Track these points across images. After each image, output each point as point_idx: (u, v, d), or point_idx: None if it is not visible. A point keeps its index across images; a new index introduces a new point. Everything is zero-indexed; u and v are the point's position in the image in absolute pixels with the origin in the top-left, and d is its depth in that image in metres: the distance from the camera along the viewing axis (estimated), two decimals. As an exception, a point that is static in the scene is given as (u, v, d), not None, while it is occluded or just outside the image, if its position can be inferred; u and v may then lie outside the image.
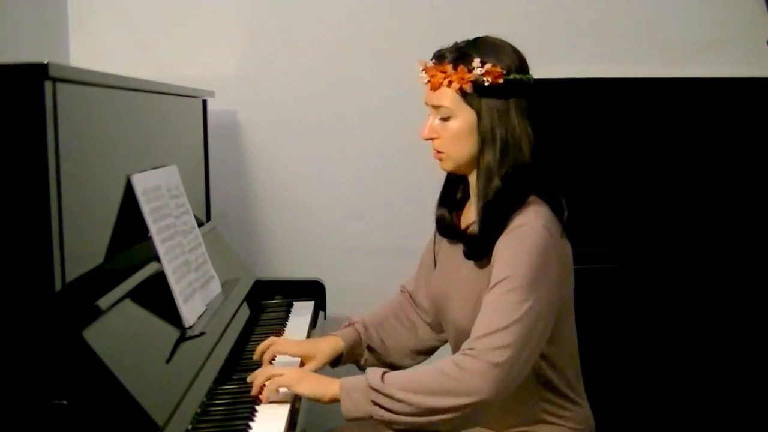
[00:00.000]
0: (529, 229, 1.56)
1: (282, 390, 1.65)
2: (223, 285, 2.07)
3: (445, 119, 1.65)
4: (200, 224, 2.13)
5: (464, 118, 1.63)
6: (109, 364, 1.31)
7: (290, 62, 2.90)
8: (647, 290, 2.55)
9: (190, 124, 2.42)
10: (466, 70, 1.61)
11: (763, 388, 2.58)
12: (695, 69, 2.86)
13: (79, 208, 1.44)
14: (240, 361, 1.94)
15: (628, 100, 2.65)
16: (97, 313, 1.39)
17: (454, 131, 1.64)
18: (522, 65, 1.66)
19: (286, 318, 2.33)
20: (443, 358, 1.53)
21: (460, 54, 1.64)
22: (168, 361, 1.55)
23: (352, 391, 1.53)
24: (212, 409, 1.64)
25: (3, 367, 1.30)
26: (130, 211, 1.67)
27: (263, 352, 1.82)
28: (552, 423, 1.70)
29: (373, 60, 2.89)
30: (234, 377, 1.81)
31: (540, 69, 2.84)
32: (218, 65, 2.88)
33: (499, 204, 1.61)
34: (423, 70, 1.68)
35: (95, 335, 1.35)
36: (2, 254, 1.32)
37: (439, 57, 1.66)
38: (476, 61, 1.61)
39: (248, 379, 1.69)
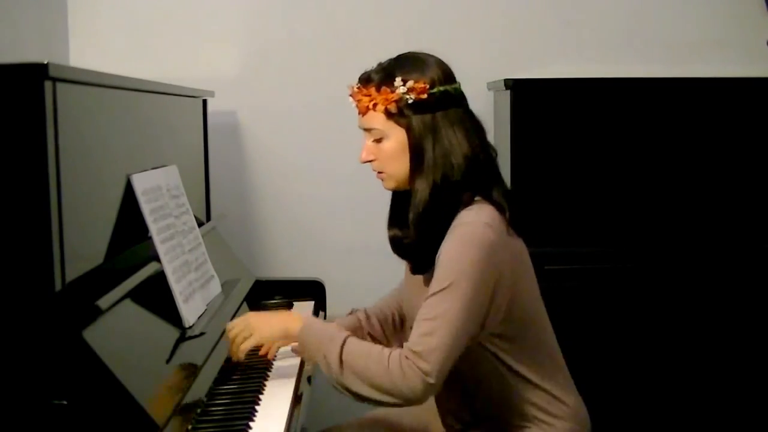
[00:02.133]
0: (470, 227, 1.58)
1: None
2: (223, 285, 2.07)
3: (378, 140, 1.67)
4: (200, 224, 2.13)
5: (395, 137, 1.65)
6: (109, 364, 1.31)
7: (290, 62, 2.90)
8: (647, 290, 2.55)
9: (190, 124, 2.42)
10: (389, 90, 1.63)
11: (763, 388, 2.58)
12: (695, 69, 2.87)
13: (79, 208, 1.44)
14: (240, 361, 1.94)
15: (627, 100, 2.65)
16: (97, 313, 1.39)
17: (388, 151, 1.66)
18: (446, 76, 1.67)
19: (286, 318, 2.33)
20: (396, 351, 1.56)
21: (383, 74, 1.66)
22: (168, 361, 1.56)
23: (311, 338, 1.64)
24: (212, 409, 1.64)
25: (3, 367, 1.30)
26: (130, 211, 1.67)
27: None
28: (543, 422, 1.70)
29: (374, 60, 2.87)
30: (234, 377, 1.81)
31: (540, 69, 2.89)
32: (218, 65, 2.88)
33: (428, 215, 1.63)
34: (351, 94, 1.70)
35: (95, 335, 1.35)
36: (2, 254, 1.32)
37: (364, 80, 1.69)
38: (398, 80, 1.63)
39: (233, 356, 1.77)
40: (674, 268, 2.58)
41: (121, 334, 1.46)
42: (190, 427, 1.51)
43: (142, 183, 1.72)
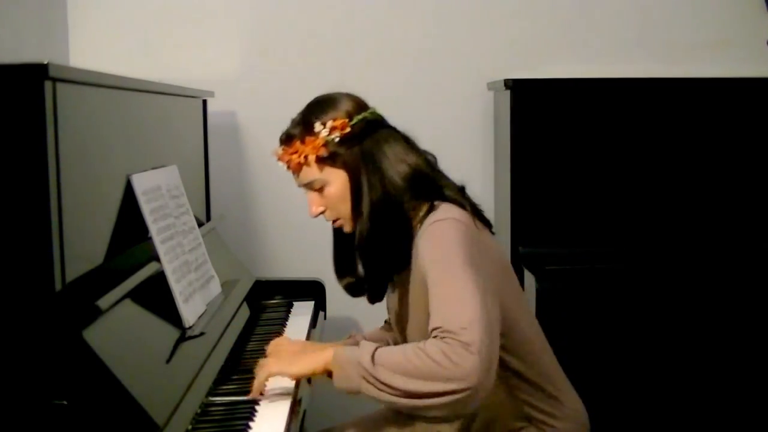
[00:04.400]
0: (442, 223, 1.56)
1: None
2: (223, 285, 2.07)
3: (320, 190, 1.69)
4: (200, 224, 2.13)
5: (336, 179, 1.67)
6: (109, 364, 1.31)
7: (290, 62, 2.90)
8: (647, 290, 2.55)
9: (190, 124, 2.42)
10: (313, 138, 1.66)
11: (763, 388, 2.58)
12: (695, 69, 2.87)
13: (79, 208, 1.44)
14: (240, 361, 1.94)
15: (628, 100, 2.65)
16: (97, 313, 1.39)
17: (334, 196, 1.68)
18: (359, 105, 1.72)
19: (286, 318, 2.33)
20: (426, 341, 1.47)
21: (302, 126, 1.69)
22: (168, 361, 1.55)
23: (345, 364, 1.52)
24: (212, 409, 1.64)
25: (3, 367, 1.30)
26: (130, 211, 1.67)
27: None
28: (540, 421, 1.70)
29: (374, 60, 2.89)
30: (234, 377, 1.81)
31: (540, 69, 2.89)
32: (218, 65, 2.88)
33: (373, 238, 1.64)
34: (278, 159, 1.72)
35: (95, 335, 1.35)
36: (2, 254, 1.32)
37: (285, 140, 1.72)
38: (318, 125, 1.66)
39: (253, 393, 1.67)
40: (675, 268, 2.58)
41: (121, 334, 1.46)
42: (190, 427, 1.51)
43: (142, 183, 1.72)
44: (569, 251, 2.58)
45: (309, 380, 1.84)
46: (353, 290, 1.81)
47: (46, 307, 1.32)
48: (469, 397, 1.40)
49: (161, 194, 1.82)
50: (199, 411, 1.58)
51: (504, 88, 2.64)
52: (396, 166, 1.65)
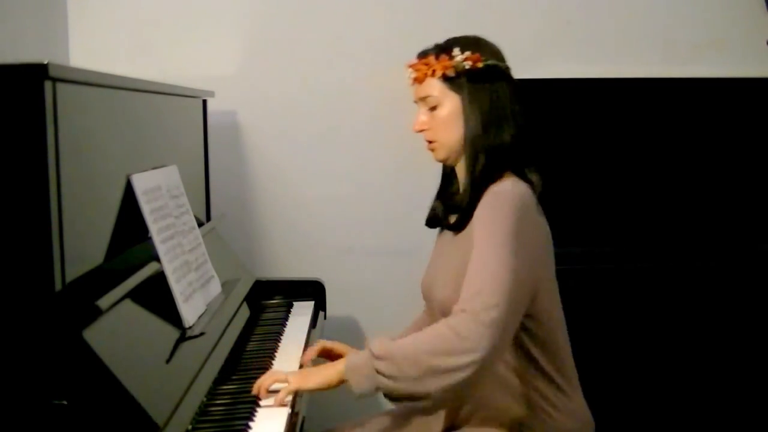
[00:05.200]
0: (506, 195, 1.64)
1: (282, 386, 1.67)
2: (223, 285, 2.07)
3: (433, 108, 1.76)
4: (200, 224, 2.13)
5: (450, 104, 1.75)
6: (109, 364, 1.31)
7: (290, 62, 2.90)
8: (649, 290, 2.55)
9: (190, 124, 2.42)
10: (447, 58, 1.74)
11: (762, 388, 2.58)
12: (695, 69, 2.86)
13: (79, 208, 1.44)
14: (240, 361, 1.94)
15: (628, 100, 2.65)
16: (97, 313, 1.39)
17: (442, 118, 1.75)
18: (498, 55, 1.79)
19: (286, 318, 2.33)
20: (438, 322, 1.54)
21: (442, 47, 1.77)
22: (168, 361, 1.55)
23: (356, 368, 1.56)
24: (212, 409, 1.64)
25: (3, 367, 1.30)
26: (130, 211, 1.67)
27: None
28: (545, 412, 1.71)
29: (374, 60, 2.89)
30: (234, 377, 1.81)
31: (540, 69, 2.89)
32: (218, 65, 2.88)
33: (483, 178, 1.70)
34: (409, 67, 1.80)
35: (95, 335, 1.35)
36: (2, 254, 1.32)
37: (422, 53, 1.80)
38: (456, 50, 1.74)
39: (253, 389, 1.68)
40: (675, 267, 2.58)
41: (121, 334, 1.46)
42: (190, 427, 1.51)
43: (142, 183, 1.72)
44: (570, 251, 2.58)
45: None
46: (431, 213, 1.88)
47: (46, 307, 1.32)
48: (475, 373, 1.45)
49: (161, 194, 1.82)
50: (199, 411, 1.58)
51: (504, 88, 2.64)
52: (509, 121, 1.73)
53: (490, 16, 2.91)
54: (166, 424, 1.35)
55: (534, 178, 1.73)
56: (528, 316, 1.66)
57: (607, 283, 2.55)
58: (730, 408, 2.58)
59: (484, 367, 1.47)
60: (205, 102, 2.55)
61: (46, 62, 1.29)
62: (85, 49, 2.83)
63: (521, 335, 1.67)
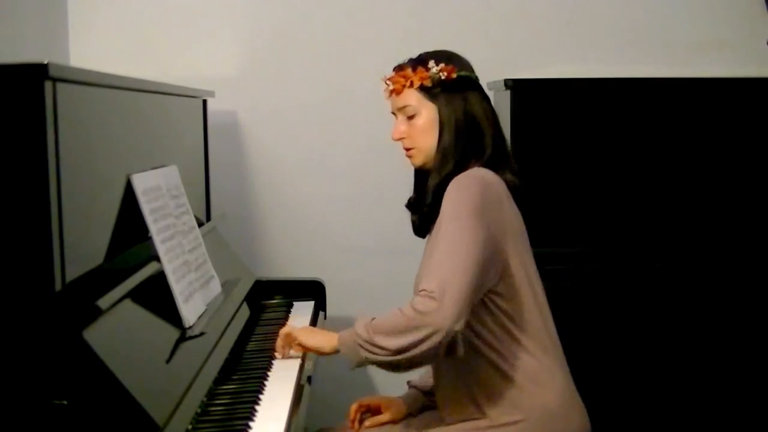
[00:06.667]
0: (469, 176, 1.75)
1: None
2: (223, 285, 2.07)
3: (410, 117, 1.85)
4: (200, 224, 2.13)
5: (427, 112, 1.84)
6: (109, 364, 1.31)
7: (290, 62, 2.90)
8: (647, 290, 2.55)
9: (190, 124, 2.42)
10: (424, 70, 1.84)
11: (762, 388, 2.58)
12: (695, 69, 2.87)
13: (79, 208, 1.44)
14: (240, 361, 1.95)
15: (627, 100, 2.65)
16: (97, 313, 1.39)
17: (420, 126, 1.84)
18: (469, 66, 1.89)
19: (286, 318, 2.34)
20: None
21: (417, 60, 1.87)
22: (168, 361, 1.55)
23: (347, 342, 1.72)
24: (212, 409, 1.64)
25: (4, 367, 1.30)
26: (130, 211, 1.67)
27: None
28: (531, 391, 1.73)
29: (374, 60, 2.88)
30: (234, 377, 1.81)
31: (540, 69, 2.89)
32: (218, 65, 2.88)
33: (448, 179, 1.77)
34: (387, 80, 1.88)
35: (95, 335, 1.35)
36: (2, 254, 1.32)
37: (399, 67, 1.89)
38: (432, 63, 1.84)
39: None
40: (675, 268, 2.58)
41: (121, 334, 1.46)
42: (190, 427, 1.51)
43: (142, 183, 1.72)
44: (569, 251, 2.58)
45: (309, 380, 1.85)
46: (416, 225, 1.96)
47: (46, 307, 1.32)
48: (438, 342, 1.59)
49: (161, 194, 1.82)
50: (199, 411, 1.59)
51: (504, 88, 2.64)
52: (484, 128, 1.83)
53: (491, 16, 2.92)
54: (166, 424, 1.35)
55: (510, 177, 1.83)
56: (497, 294, 1.74)
57: (608, 283, 2.55)
58: (729, 408, 2.58)
59: (445, 336, 1.59)
60: (205, 102, 2.55)
61: (46, 62, 1.29)
62: (85, 49, 2.83)
63: (497, 313, 1.75)
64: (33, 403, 1.27)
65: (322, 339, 1.82)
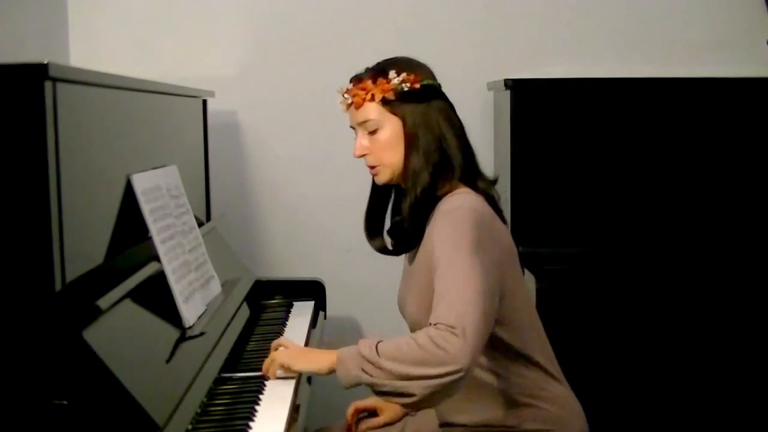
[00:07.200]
0: (459, 211, 1.64)
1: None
2: (223, 285, 2.07)
3: (373, 132, 1.74)
4: (200, 224, 2.13)
5: (391, 126, 1.73)
6: (109, 364, 1.31)
7: (290, 62, 2.90)
8: (646, 291, 2.55)
9: (190, 124, 2.42)
10: (385, 81, 1.72)
11: (762, 389, 2.57)
12: (695, 69, 2.86)
13: (79, 208, 1.44)
14: (240, 361, 1.94)
15: (627, 100, 2.65)
16: (97, 313, 1.39)
17: (383, 141, 1.73)
18: (431, 74, 1.78)
19: (286, 318, 2.33)
20: (417, 333, 1.54)
21: (377, 70, 1.76)
22: (168, 361, 1.56)
23: (346, 360, 1.60)
24: (212, 409, 1.64)
25: (4, 367, 1.30)
26: (130, 211, 1.67)
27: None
28: (532, 406, 1.71)
29: (374, 60, 2.88)
30: (234, 377, 1.81)
31: (540, 69, 2.89)
32: (218, 65, 2.88)
33: (427, 198, 1.71)
34: (345, 93, 1.77)
35: (95, 335, 1.35)
36: (2, 254, 1.32)
37: (357, 78, 1.78)
38: (392, 73, 1.73)
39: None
40: (674, 268, 2.58)
41: (121, 334, 1.46)
42: (190, 427, 1.51)
43: (142, 183, 1.72)
44: (569, 251, 2.58)
45: (309, 380, 1.84)
46: (385, 252, 1.88)
47: (46, 307, 1.32)
48: (461, 378, 1.48)
49: (161, 194, 1.82)
50: (199, 411, 1.59)
51: (504, 88, 2.64)
52: (451, 138, 1.72)
53: (491, 16, 2.92)
54: (166, 424, 1.35)
55: (484, 185, 1.75)
56: (502, 322, 1.68)
57: (607, 283, 2.55)
58: (728, 408, 2.58)
59: (467, 374, 1.50)
60: (205, 102, 2.56)
61: (46, 62, 1.29)
62: (85, 49, 2.83)
63: (503, 335, 1.69)
64: (33, 403, 1.27)
65: (315, 360, 1.69)
